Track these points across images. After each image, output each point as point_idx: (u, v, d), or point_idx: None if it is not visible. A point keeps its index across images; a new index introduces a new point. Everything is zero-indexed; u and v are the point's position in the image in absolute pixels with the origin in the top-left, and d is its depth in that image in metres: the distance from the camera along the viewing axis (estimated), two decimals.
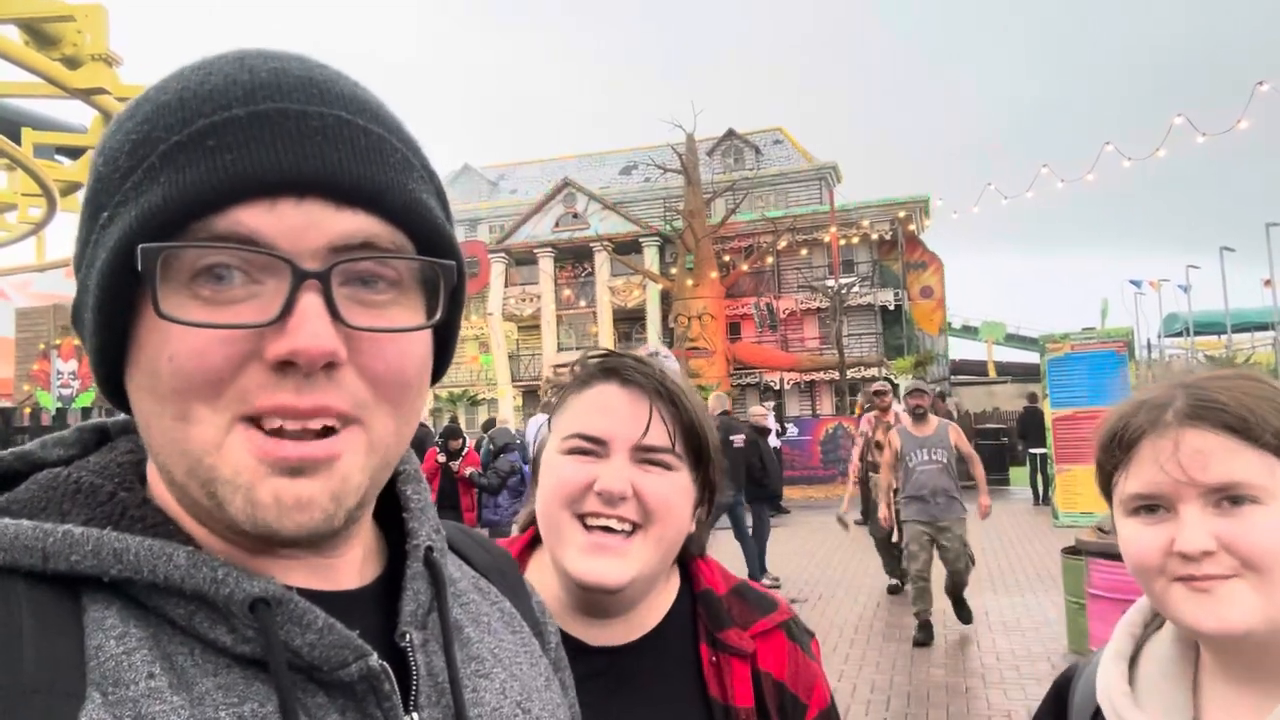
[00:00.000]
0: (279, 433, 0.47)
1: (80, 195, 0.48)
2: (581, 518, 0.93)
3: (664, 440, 0.94)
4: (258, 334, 0.46)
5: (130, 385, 0.49)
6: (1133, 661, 0.90)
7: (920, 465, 6.45)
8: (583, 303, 33.00)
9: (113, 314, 0.47)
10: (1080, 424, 11.64)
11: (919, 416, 6.59)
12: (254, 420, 0.47)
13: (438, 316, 0.52)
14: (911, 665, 5.90)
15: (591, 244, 30.61)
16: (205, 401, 0.46)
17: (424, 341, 0.53)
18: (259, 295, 0.46)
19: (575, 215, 32.65)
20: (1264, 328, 26.33)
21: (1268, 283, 24.95)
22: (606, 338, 32.83)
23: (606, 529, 0.92)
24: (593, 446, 0.94)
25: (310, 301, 0.46)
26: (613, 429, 0.94)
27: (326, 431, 0.48)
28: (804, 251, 29.89)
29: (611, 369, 0.98)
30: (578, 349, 33.72)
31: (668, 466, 0.95)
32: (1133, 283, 30.36)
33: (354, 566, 0.56)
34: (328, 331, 0.46)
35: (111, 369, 0.50)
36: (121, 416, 0.55)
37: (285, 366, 0.46)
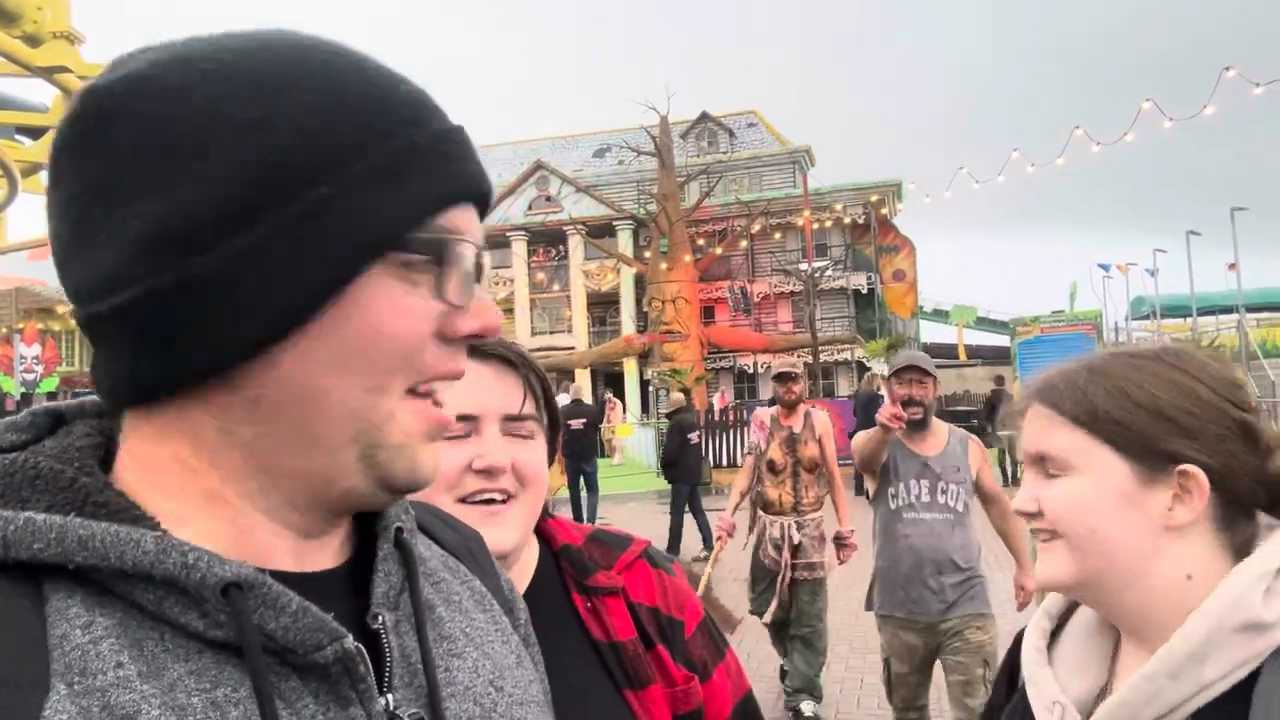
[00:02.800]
0: (436, 402, 0.54)
1: (100, 172, 0.45)
2: (462, 500, 0.95)
3: (532, 409, 0.98)
4: (445, 314, 0.52)
5: (296, 359, 0.48)
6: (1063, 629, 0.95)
7: (915, 511, 3.54)
8: (556, 286, 32.91)
9: (328, 289, 0.48)
10: None
11: (916, 424, 3.56)
12: (416, 391, 0.52)
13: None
14: (868, 634, 5.99)
15: (565, 227, 30.49)
16: (399, 373, 0.51)
17: None
18: (439, 281, 0.52)
19: (548, 198, 32.49)
20: (1228, 311, 26.83)
21: (1232, 266, 25.41)
22: (580, 321, 32.79)
23: (488, 500, 0.95)
24: (462, 426, 0.94)
25: (482, 288, 0.55)
26: (483, 403, 0.95)
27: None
28: (777, 235, 29.99)
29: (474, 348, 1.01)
30: (552, 333, 33.83)
31: (531, 435, 0.99)
32: (1101, 266, 30.78)
33: (332, 547, 0.56)
34: (498, 311, 0.56)
35: (236, 342, 0.47)
36: (77, 400, 0.55)
37: (454, 342, 0.53)
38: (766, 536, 4.90)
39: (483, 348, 0.96)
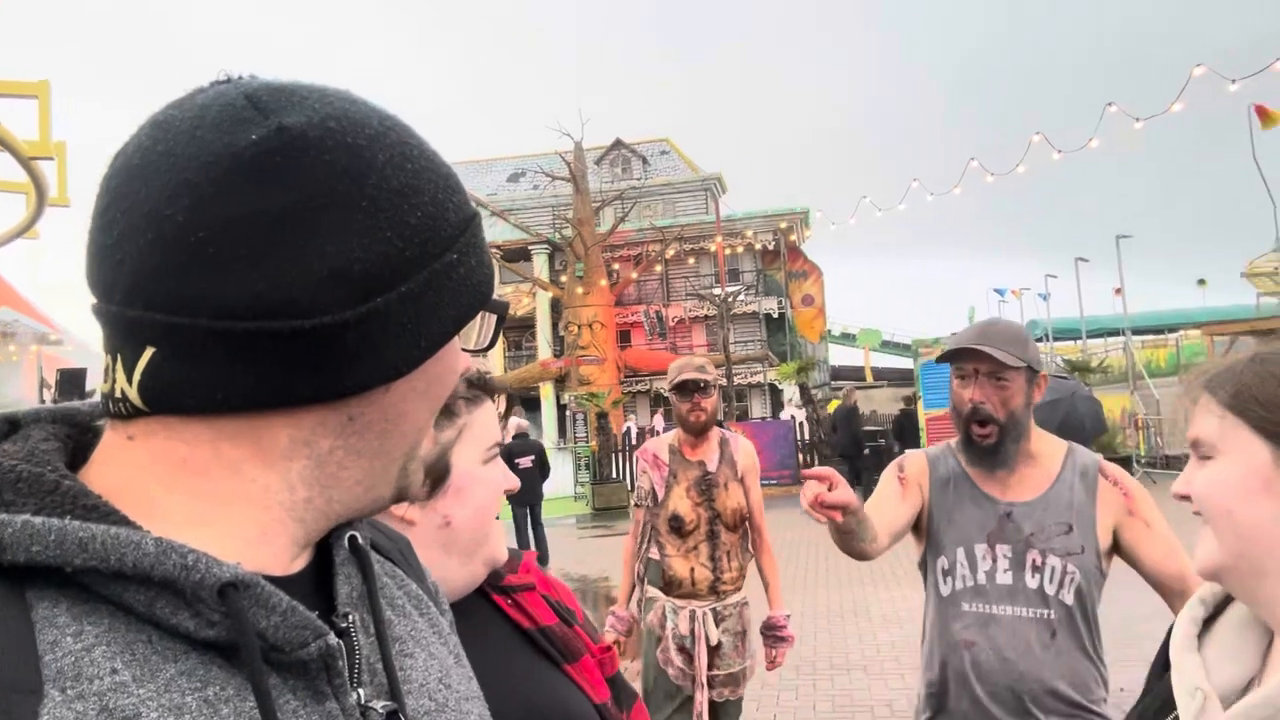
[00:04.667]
0: None
1: (287, 202, 0.49)
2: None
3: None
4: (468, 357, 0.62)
5: (401, 387, 0.55)
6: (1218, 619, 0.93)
7: (985, 601, 1.98)
8: None
9: (450, 335, 0.56)
10: (951, 424, 12.28)
11: (987, 452, 1.99)
12: None
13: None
14: (795, 651, 6.08)
15: None
16: (445, 399, 0.61)
17: None
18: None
19: None
20: (1115, 333, 28.39)
21: (1118, 291, 26.94)
22: (496, 346, 32.39)
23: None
24: (497, 452, 1.09)
25: None
26: (500, 434, 1.12)
27: None
28: (691, 260, 30.39)
29: (486, 384, 1.12)
30: None
31: None
32: (997, 291, 32.22)
33: (304, 553, 0.59)
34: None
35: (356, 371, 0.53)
36: (34, 407, 0.56)
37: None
38: (669, 633, 3.21)
39: (497, 384, 1.12)
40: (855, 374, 37.68)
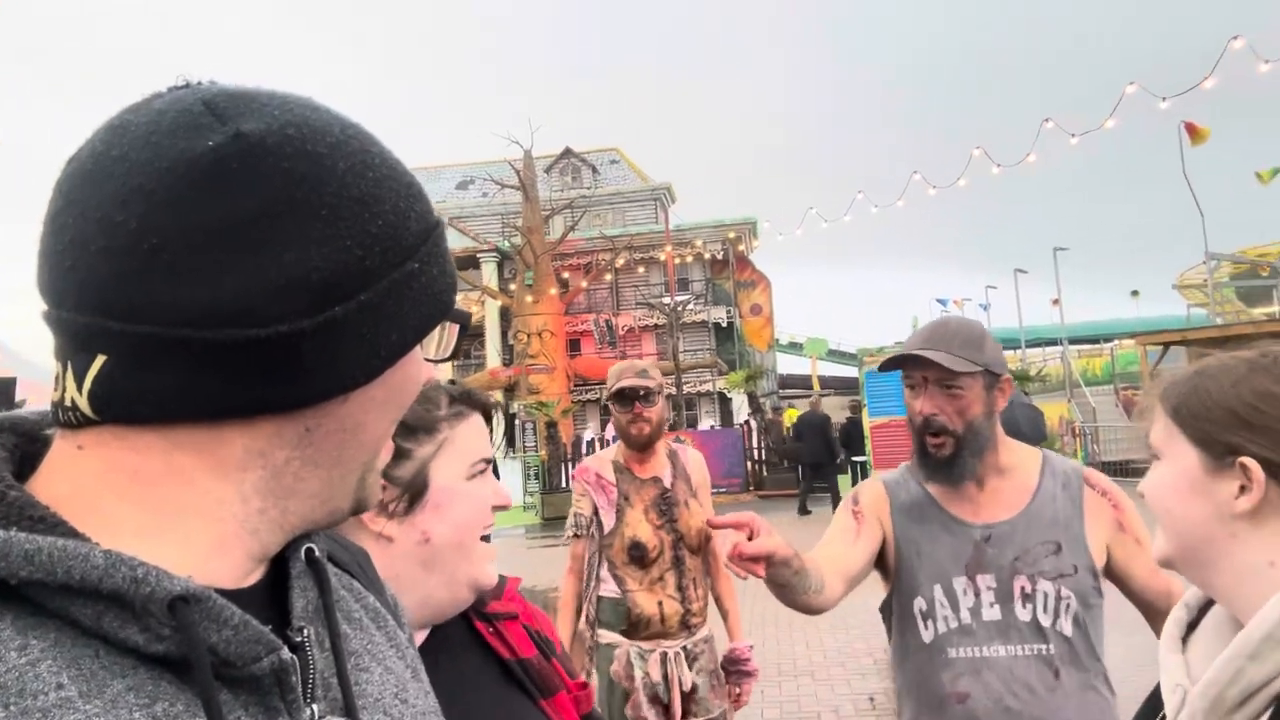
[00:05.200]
0: None
1: (242, 212, 0.48)
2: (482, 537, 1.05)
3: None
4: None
5: (360, 398, 0.54)
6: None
7: (972, 642, 1.71)
8: None
9: (411, 344, 0.56)
10: (895, 431, 12.48)
11: (943, 467, 1.75)
12: None
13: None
14: None
15: None
16: (406, 409, 0.60)
17: None
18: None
19: None
20: (1053, 343, 29.20)
21: (1056, 302, 27.73)
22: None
23: (485, 538, 1.07)
24: (486, 468, 1.07)
25: None
26: (490, 449, 1.10)
27: None
28: (641, 269, 30.46)
29: (471, 399, 1.11)
30: None
31: None
32: (939, 301, 33.02)
33: (260, 566, 0.58)
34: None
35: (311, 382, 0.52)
36: None
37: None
38: (639, 684, 2.75)
39: (481, 399, 1.11)
40: (802, 382, 38.10)
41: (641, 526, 2.79)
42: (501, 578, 1.16)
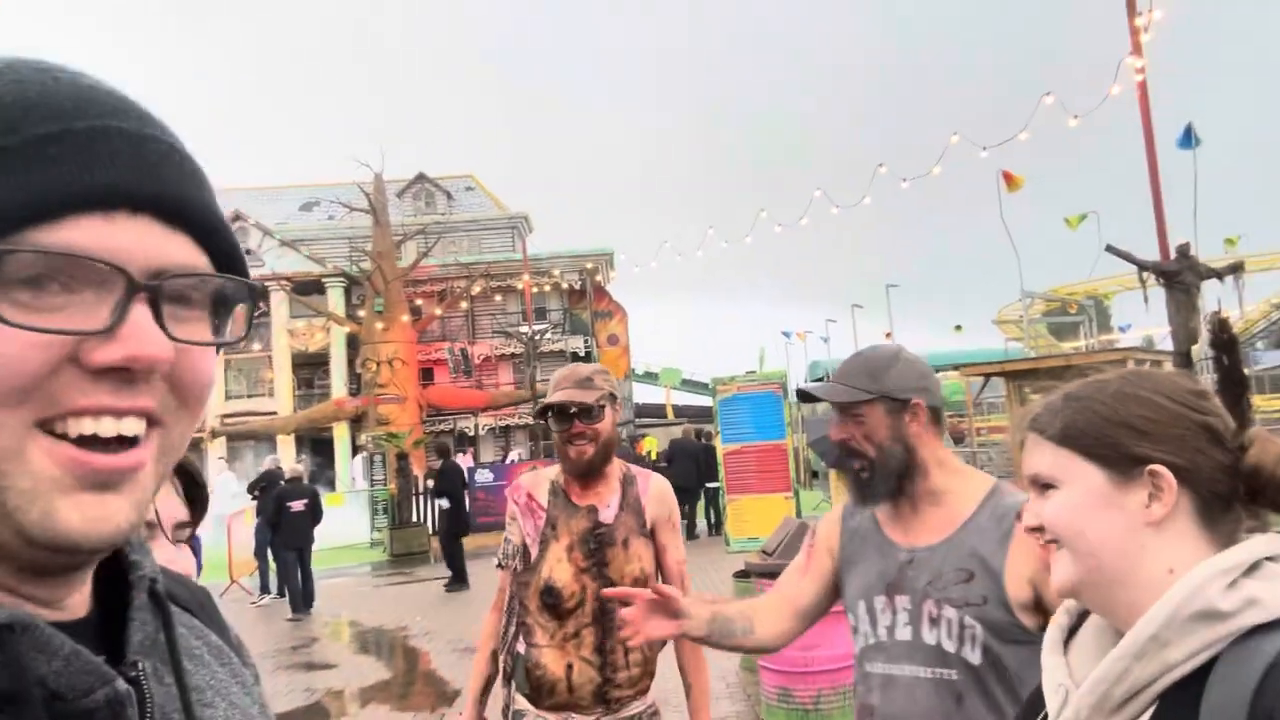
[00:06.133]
0: (88, 442, 0.47)
1: None
2: None
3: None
4: (77, 341, 0.46)
5: None
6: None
7: (885, 658, 1.76)
8: (256, 346, 30.44)
9: None
10: (747, 457, 12.84)
11: (862, 487, 1.79)
12: (53, 430, 0.46)
13: (244, 333, 0.56)
14: (659, 683, 6.04)
15: (266, 283, 28.43)
16: (8, 407, 0.45)
17: (215, 357, 0.56)
18: (77, 305, 0.46)
19: (249, 252, 30.19)
20: None
21: (888, 335, 29.44)
22: (284, 384, 30.53)
23: None
24: (191, 530, 1.09)
25: (142, 312, 0.48)
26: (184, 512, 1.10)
27: (129, 442, 0.49)
28: (498, 298, 30.12)
29: None
30: (250, 396, 31.11)
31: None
32: (784, 333, 34.47)
33: (84, 595, 0.54)
34: (162, 340, 0.48)
35: None
36: None
37: (107, 373, 0.47)
38: None
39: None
40: (657, 411, 38.59)
41: (561, 567, 2.26)
42: None
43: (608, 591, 1.62)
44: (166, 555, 0.94)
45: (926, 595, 1.72)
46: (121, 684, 0.49)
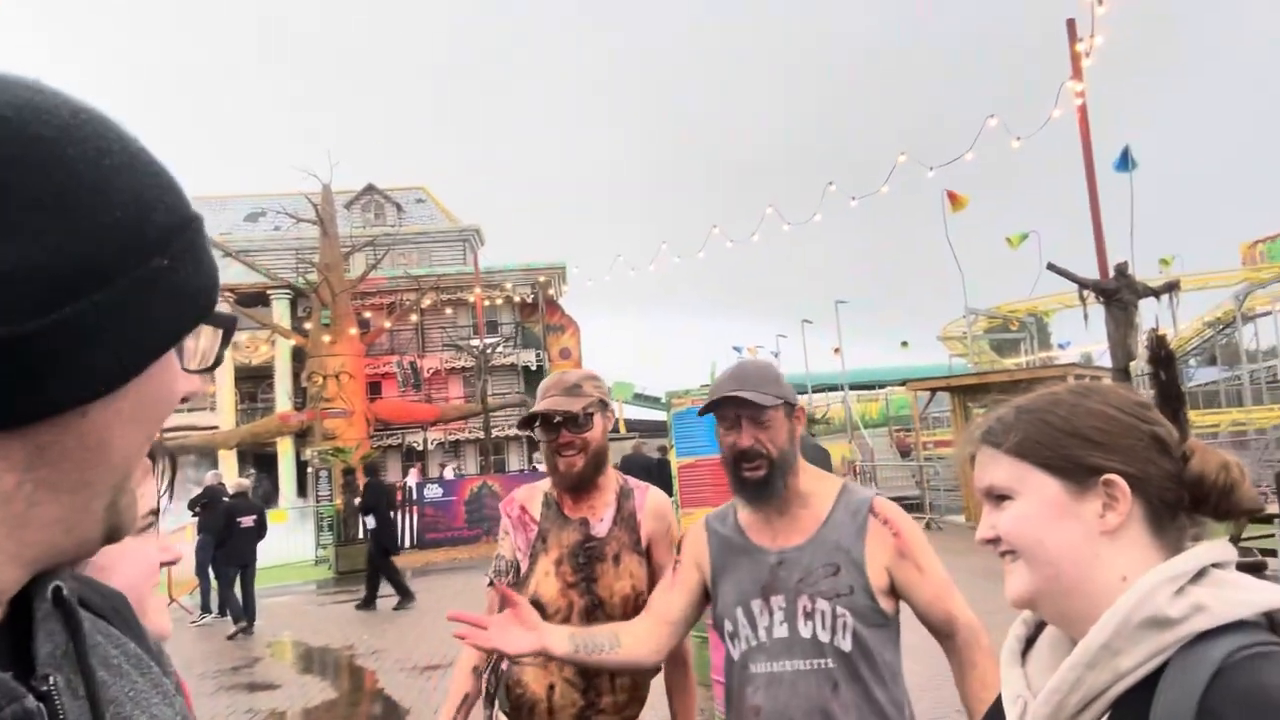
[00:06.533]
0: None
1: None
2: None
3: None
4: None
5: (104, 410, 0.49)
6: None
7: (766, 658, 1.86)
8: None
9: (161, 350, 0.51)
10: (701, 470, 12.86)
11: (758, 489, 1.89)
12: None
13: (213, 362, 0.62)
14: None
15: None
16: (160, 426, 0.54)
17: None
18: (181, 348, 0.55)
19: None
20: (835, 389, 31.35)
21: (837, 351, 29.86)
22: (227, 397, 29.82)
23: None
24: (154, 521, 1.01)
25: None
26: (155, 500, 1.03)
27: None
28: (449, 311, 29.87)
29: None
30: (190, 410, 30.27)
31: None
32: (735, 348, 34.74)
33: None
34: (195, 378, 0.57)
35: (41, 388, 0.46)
36: None
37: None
38: None
39: (158, 448, 0.99)
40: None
41: (547, 581, 2.17)
42: None
43: (452, 614, 1.63)
44: (138, 546, 0.96)
45: (800, 591, 1.84)
46: (31, 701, 0.46)
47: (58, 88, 0.49)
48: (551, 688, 2.15)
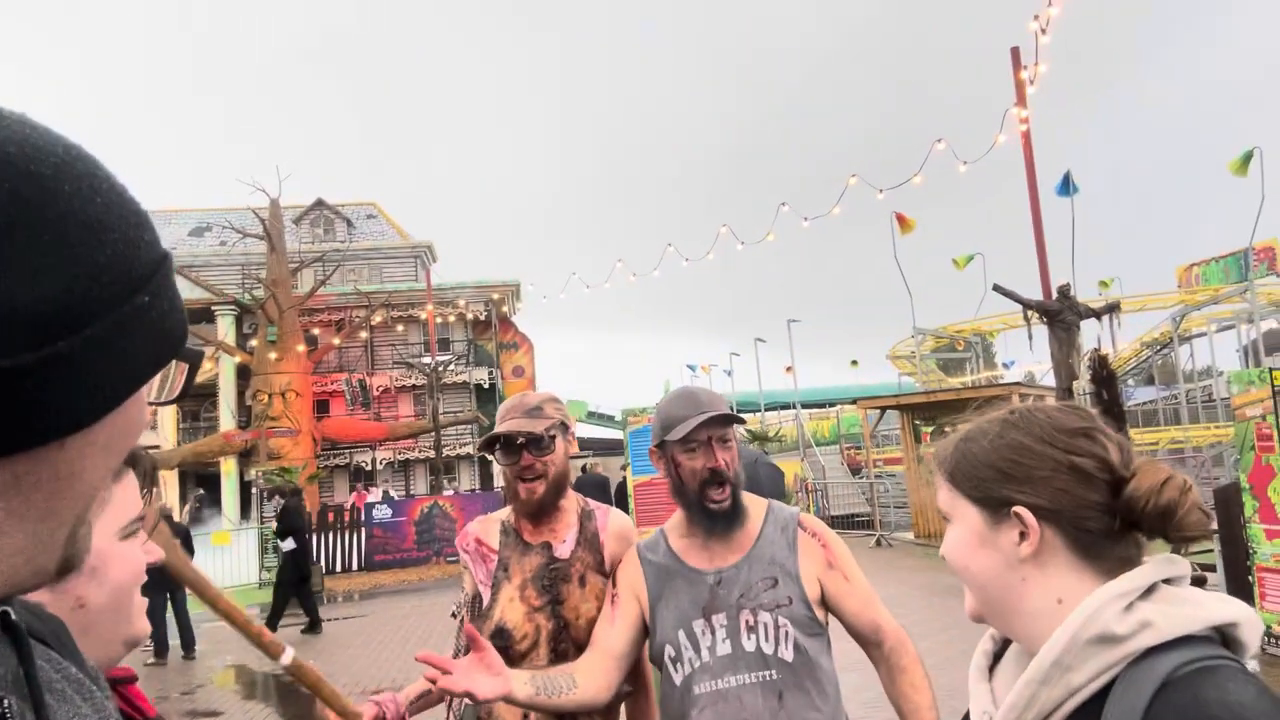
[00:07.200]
0: None
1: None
2: None
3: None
4: None
5: (79, 441, 0.49)
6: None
7: (710, 677, 1.86)
8: None
9: (141, 382, 0.52)
10: (658, 489, 12.85)
11: (718, 515, 1.91)
12: None
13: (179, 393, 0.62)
14: None
15: None
16: (121, 458, 0.55)
17: None
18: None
19: None
20: (788, 407, 31.63)
21: (789, 369, 30.14)
22: (168, 415, 29.02)
23: None
24: (139, 526, 0.99)
25: None
26: (141, 506, 1.02)
27: None
28: (400, 328, 29.52)
29: (130, 456, 1.03)
30: None
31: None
32: (689, 366, 34.91)
33: None
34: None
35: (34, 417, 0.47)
36: None
37: None
38: None
39: (135, 452, 0.97)
40: None
41: (513, 607, 2.10)
42: None
43: (421, 656, 1.58)
44: (127, 548, 0.97)
45: (741, 607, 1.87)
46: None
47: (46, 124, 0.50)
48: (526, 717, 2.05)
